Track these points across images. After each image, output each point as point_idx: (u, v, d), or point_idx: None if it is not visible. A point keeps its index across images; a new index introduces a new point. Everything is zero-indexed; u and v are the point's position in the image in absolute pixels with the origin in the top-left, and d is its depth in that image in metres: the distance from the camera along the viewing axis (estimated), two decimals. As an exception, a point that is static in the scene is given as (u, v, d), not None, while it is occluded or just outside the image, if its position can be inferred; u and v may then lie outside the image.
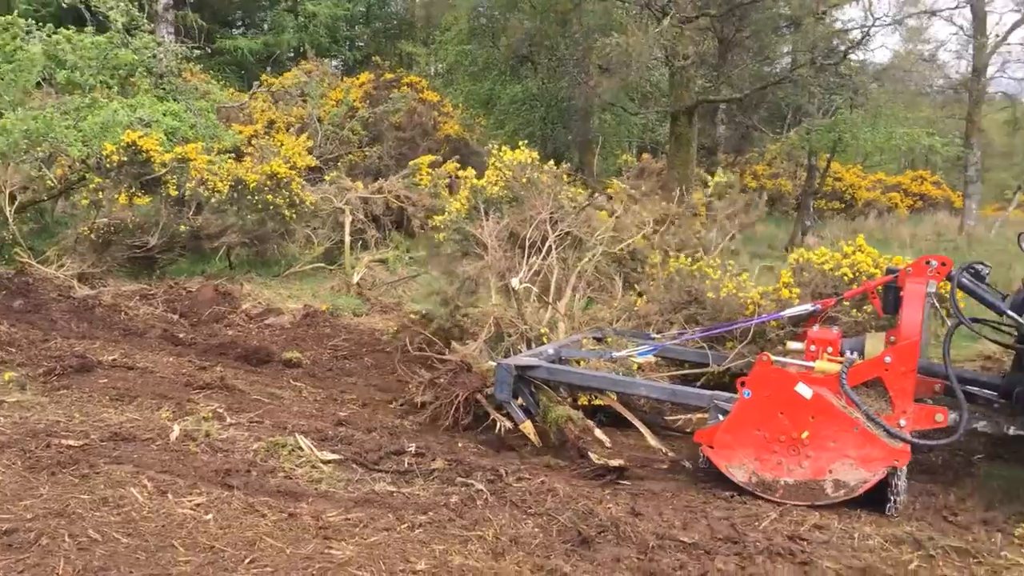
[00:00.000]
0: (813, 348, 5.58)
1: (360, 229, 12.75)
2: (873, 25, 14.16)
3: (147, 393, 6.50)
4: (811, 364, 5.49)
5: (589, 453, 5.65)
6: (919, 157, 31.19)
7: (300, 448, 5.50)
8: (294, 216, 12.12)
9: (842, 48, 14.92)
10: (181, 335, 8.54)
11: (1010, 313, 5.32)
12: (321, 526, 4.35)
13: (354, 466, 5.34)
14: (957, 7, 18.86)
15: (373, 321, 9.53)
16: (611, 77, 14.37)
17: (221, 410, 6.12)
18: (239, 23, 32.75)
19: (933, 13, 19.99)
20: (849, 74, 17.25)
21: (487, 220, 8.28)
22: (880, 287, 5.84)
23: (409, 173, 14.16)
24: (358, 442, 5.69)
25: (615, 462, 5.56)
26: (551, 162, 9.60)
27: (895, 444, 4.94)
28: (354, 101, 20.36)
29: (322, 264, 12.37)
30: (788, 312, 6.36)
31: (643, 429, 6.17)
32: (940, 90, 25.52)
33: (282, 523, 4.34)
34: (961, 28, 23.38)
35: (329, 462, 5.36)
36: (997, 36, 23.05)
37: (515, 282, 7.13)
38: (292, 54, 29.22)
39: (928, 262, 5.50)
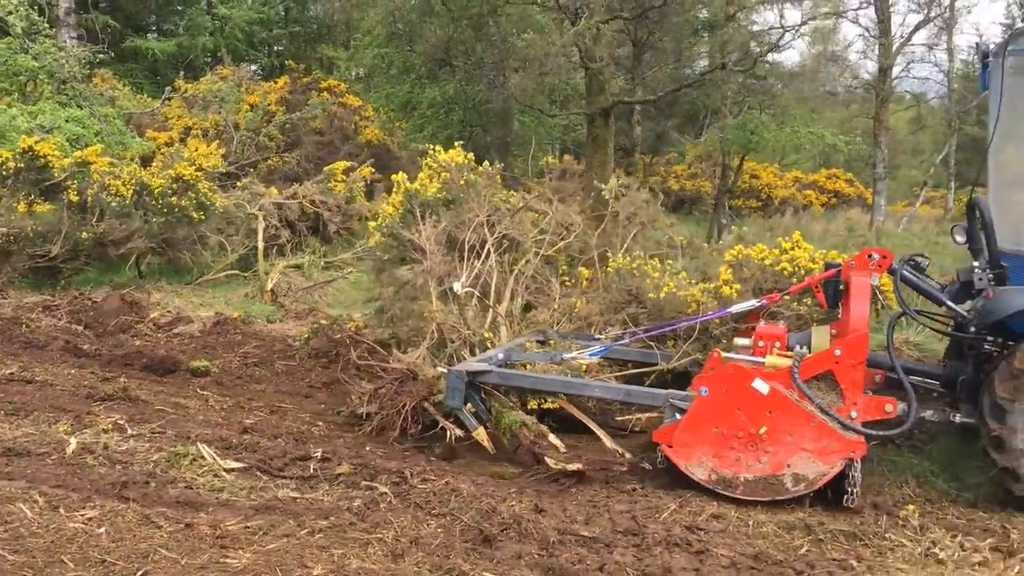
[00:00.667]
0: (761, 344, 5.61)
1: (275, 235, 12.57)
2: (793, 29, 14.48)
3: (45, 407, 6.30)
4: (761, 359, 5.51)
5: (546, 458, 5.57)
6: (833, 155, 32.06)
7: (203, 457, 5.40)
8: (203, 217, 11.83)
9: (756, 51, 15.27)
10: (85, 346, 8.31)
11: (950, 304, 5.46)
12: (219, 535, 4.28)
13: (258, 473, 5.27)
14: (860, 7, 19.43)
15: (286, 327, 9.41)
16: (527, 78, 14.44)
17: (122, 421, 5.97)
18: (153, 26, 31.99)
19: (839, 14, 20.58)
20: (763, 76, 17.71)
21: (424, 224, 8.04)
22: (822, 281, 5.91)
23: (323, 178, 14.02)
24: (263, 449, 5.62)
25: (573, 466, 5.49)
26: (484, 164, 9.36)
27: (850, 436, 4.99)
28: (270, 106, 20.07)
29: (236, 271, 12.15)
30: (734, 308, 6.36)
31: (599, 431, 6.06)
32: (849, 90, 26.30)
33: (178, 534, 4.26)
34: (867, 29, 24.13)
35: (232, 470, 5.29)
36: (902, 37, 23.89)
37: (456, 286, 7.00)
38: (208, 59, 28.66)
39: (870, 255, 5.60)
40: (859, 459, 4.94)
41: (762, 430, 5.07)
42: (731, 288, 6.87)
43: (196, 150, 15.62)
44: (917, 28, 23.27)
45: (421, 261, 7.75)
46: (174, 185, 11.64)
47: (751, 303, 6.28)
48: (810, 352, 5.47)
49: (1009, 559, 4.18)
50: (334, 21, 32.33)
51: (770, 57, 19.87)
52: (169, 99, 20.70)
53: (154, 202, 11.49)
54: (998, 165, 5.63)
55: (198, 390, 7.09)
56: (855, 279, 5.51)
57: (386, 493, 4.96)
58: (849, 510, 4.82)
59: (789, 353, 5.49)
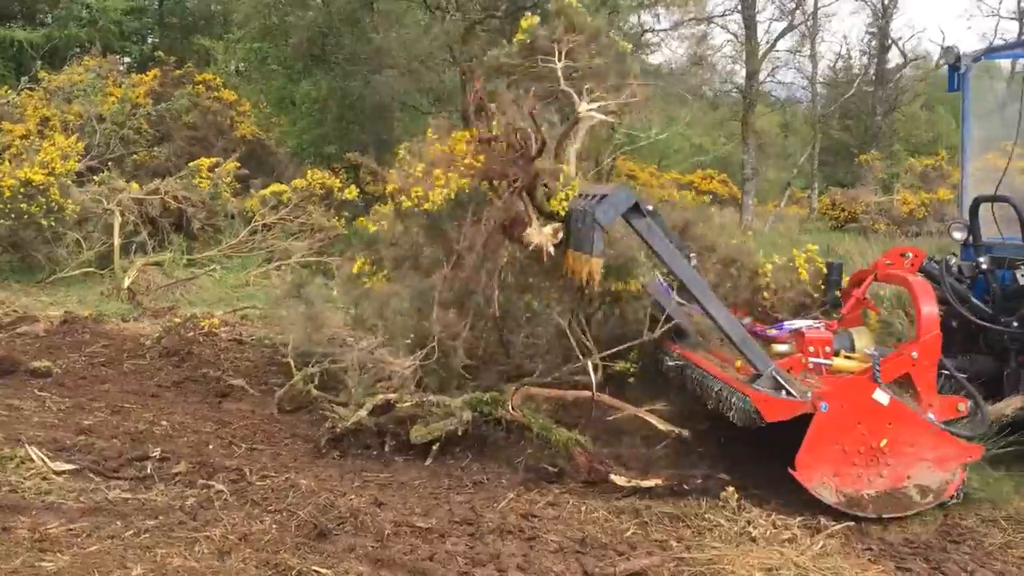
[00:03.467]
0: (812, 349, 5.43)
1: (134, 231, 12.15)
2: (655, 32, 14.89)
3: None
4: (828, 363, 5.38)
5: (612, 476, 5.19)
6: (703, 156, 33.02)
7: (31, 460, 5.20)
8: (52, 224, 11.33)
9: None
10: (-84, 349, 7.86)
11: (975, 301, 5.62)
12: (37, 538, 4.14)
13: (90, 475, 5.09)
14: (724, 15, 20.17)
15: (141, 327, 9.11)
16: (398, 77, 14.41)
17: (-54, 425, 5.69)
18: (18, 15, 30.38)
19: (708, 19, 21.31)
20: (632, 75, 18.12)
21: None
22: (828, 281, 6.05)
23: (188, 174, 13.63)
24: (98, 450, 5.44)
25: (649, 482, 5.10)
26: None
27: (965, 441, 4.96)
28: (138, 98, 19.36)
29: (93, 269, 11.70)
30: (790, 324, 5.99)
31: (646, 415, 5.66)
32: (719, 93, 27.22)
33: (-7, 538, 4.10)
34: (736, 36, 25.06)
35: (63, 473, 5.09)
36: (767, 43, 24.89)
37: None
38: (78, 49, 27.41)
39: (903, 254, 5.66)
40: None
41: (883, 443, 4.85)
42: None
43: (53, 144, 14.95)
44: (781, 35, 24.25)
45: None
46: (23, 189, 11.08)
47: (809, 322, 5.91)
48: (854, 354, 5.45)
49: (816, 535, 4.44)
50: (211, 12, 31.44)
51: (646, 60, 20.51)
52: (30, 89, 19.68)
53: (1, 206, 10.92)
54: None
55: (36, 391, 6.80)
56: (914, 280, 5.44)
57: (222, 491, 4.89)
58: (676, 494, 5.00)
59: (854, 355, 5.42)
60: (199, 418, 6.38)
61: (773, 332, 5.87)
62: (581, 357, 6.00)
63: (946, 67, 6.71)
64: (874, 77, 32.47)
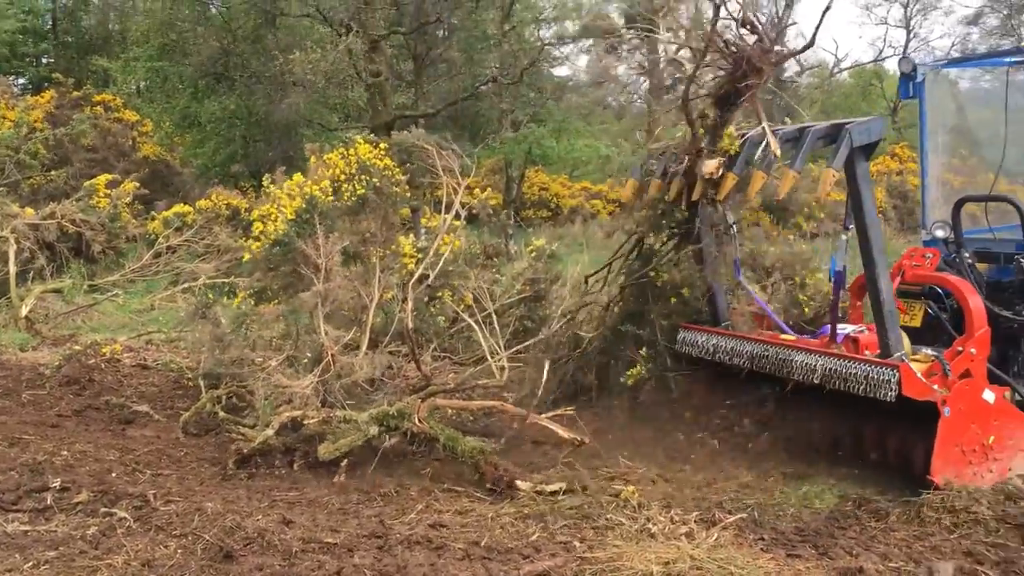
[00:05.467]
0: (868, 353, 5.61)
1: (31, 258, 11.78)
2: (550, 44, 15.16)
3: None
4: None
5: (517, 483, 5.29)
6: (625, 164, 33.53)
7: (-78, 498, 5.04)
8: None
9: (525, 64, 15.90)
10: None
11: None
12: (-70, 577, 4.04)
13: (-14, 510, 4.98)
14: (621, 32, 20.62)
15: (40, 355, 8.87)
16: (301, 95, 14.34)
17: None
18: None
19: (611, 34, 21.72)
20: (539, 89, 18.45)
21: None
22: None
23: (84, 195, 13.28)
24: (-6, 485, 5.31)
25: (553, 487, 5.22)
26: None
27: None
28: (35, 122, 18.77)
29: (-12, 299, 11.31)
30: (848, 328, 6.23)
31: (548, 423, 5.86)
32: (625, 104, 27.79)
33: None
34: (639, 49, 25.62)
35: (-44, 509, 4.97)
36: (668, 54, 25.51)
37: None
38: (-34, 73, 26.39)
39: (925, 255, 6.00)
40: None
41: (991, 439, 5.13)
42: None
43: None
44: (680, 47, 24.81)
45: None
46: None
47: (853, 327, 6.13)
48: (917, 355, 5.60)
49: (711, 528, 4.62)
50: (108, 32, 30.69)
51: (555, 73, 20.85)
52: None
53: None
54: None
55: (-73, 428, 6.58)
56: (955, 278, 5.80)
57: (125, 518, 4.83)
58: (581, 497, 5.14)
59: (917, 356, 5.52)
60: (102, 446, 6.26)
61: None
62: (490, 359, 6.13)
63: (898, 75, 7.20)
64: (772, 86, 33.52)
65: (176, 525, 4.76)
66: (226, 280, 10.45)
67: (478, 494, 5.33)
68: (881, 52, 36.70)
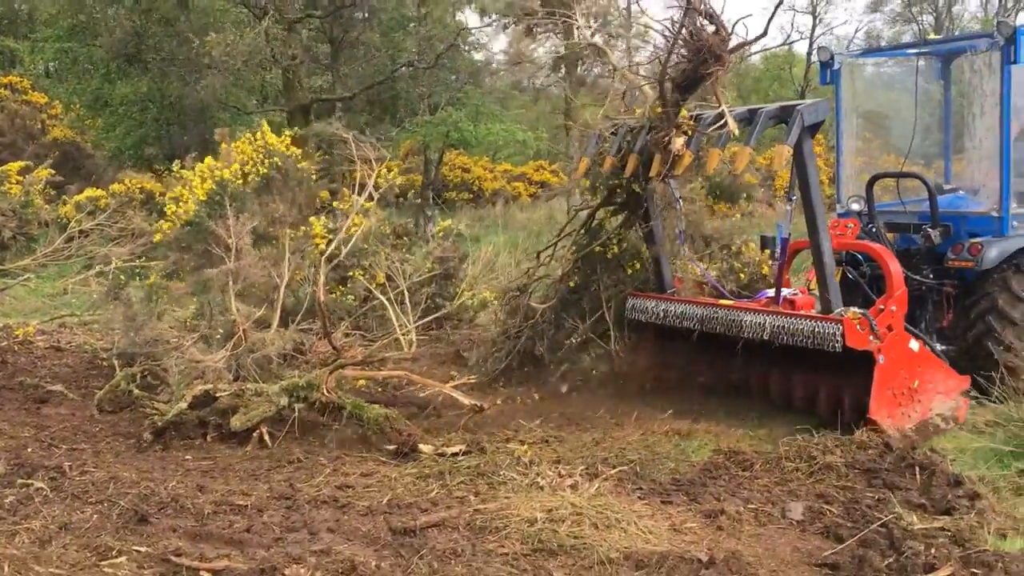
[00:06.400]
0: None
1: (-62, 244, 11.65)
2: (466, 30, 15.43)
3: None
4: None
5: (420, 446, 5.65)
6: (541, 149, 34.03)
7: None
8: None
9: (441, 48, 16.16)
10: None
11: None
12: None
13: (-100, 487, 5.13)
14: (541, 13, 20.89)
15: (-51, 341, 8.86)
16: (216, 76, 14.35)
17: None
18: None
19: (526, 16, 21.98)
20: (454, 72, 18.69)
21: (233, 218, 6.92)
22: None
23: (-7, 181, 13.15)
24: (-93, 463, 5.45)
25: (453, 448, 5.59)
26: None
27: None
28: (-67, 105, 18.32)
29: None
30: (767, 292, 7.06)
31: (449, 390, 6.29)
32: (542, 88, 28.13)
33: None
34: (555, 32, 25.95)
35: None
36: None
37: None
38: None
39: (847, 226, 6.74)
40: None
41: (915, 384, 5.83)
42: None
43: None
44: (597, 30, 25.26)
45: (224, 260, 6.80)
46: None
47: (787, 290, 6.82)
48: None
49: (593, 479, 5.06)
50: (15, 12, 29.79)
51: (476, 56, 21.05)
52: None
53: None
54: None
55: None
56: (876, 245, 6.62)
57: (42, 488, 5.05)
58: (479, 457, 5.53)
59: (848, 314, 6.04)
60: (16, 424, 6.41)
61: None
62: (399, 333, 6.48)
63: (817, 63, 7.97)
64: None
65: (92, 493, 5.00)
66: (139, 264, 10.50)
67: (383, 458, 5.68)
68: (788, 37, 37.78)
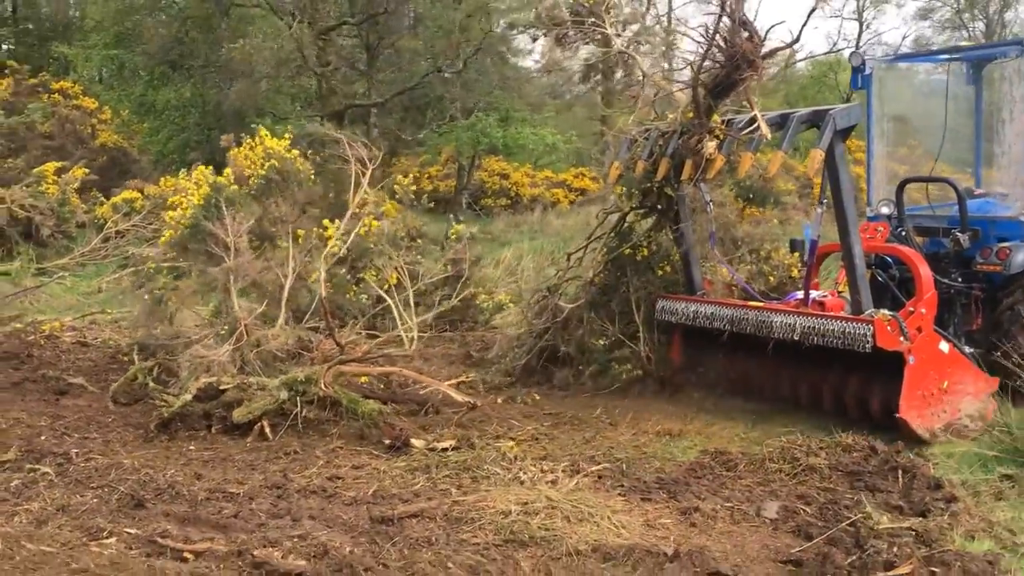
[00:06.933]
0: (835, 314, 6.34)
1: (-19, 242, 12.11)
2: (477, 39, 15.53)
3: None
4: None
5: (412, 440, 5.83)
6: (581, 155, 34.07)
7: None
8: None
9: (469, 53, 16.35)
10: None
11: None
12: None
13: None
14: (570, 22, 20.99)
15: (-16, 334, 9.24)
16: (247, 84, 14.72)
17: None
18: None
19: (555, 25, 22.10)
20: (492, 77, 18.86)
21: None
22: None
23: (34, 181, 13.61)
24: (-78, 446, 5.73)
25: (443, 443, 5.76)
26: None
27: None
28: (-10, 110, 18.98)
29: (-61, 281, 11.64)
30: (797, 294, 7.02)
31: (444, 388, 6.49)
32: (580, 94, 28.19)
33: None
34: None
35: None
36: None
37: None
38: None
39: (877, 229, 6.84)
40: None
41: (945, 384, 5.90)
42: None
43: None
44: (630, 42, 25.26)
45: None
46: None
47: (817, 292, 6.84)
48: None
49: (574, 476, 5.16)
50: (69, 19, 30.71)
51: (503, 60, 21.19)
52: None
53: None
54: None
55: None
56: (906, 249, 6.72)
57: (48, 472, 5.29)
58: (468, 453, 5.66)
59: (878, 315, 6.11)
60: (34, 414, 6.67)
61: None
62: (401, 330, 6.66)
63: (851, 68, 7.95)
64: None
65: (94, 479, 5.23)
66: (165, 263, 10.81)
67: (377, 452, 5.83)
68: (835, 44, 37.38)
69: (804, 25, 6.58)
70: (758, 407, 6.72)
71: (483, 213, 25.83)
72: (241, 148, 7.52)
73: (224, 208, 6.45)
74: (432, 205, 24.25)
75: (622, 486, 5.12)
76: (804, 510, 4.70)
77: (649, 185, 7.25)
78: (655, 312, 7.29)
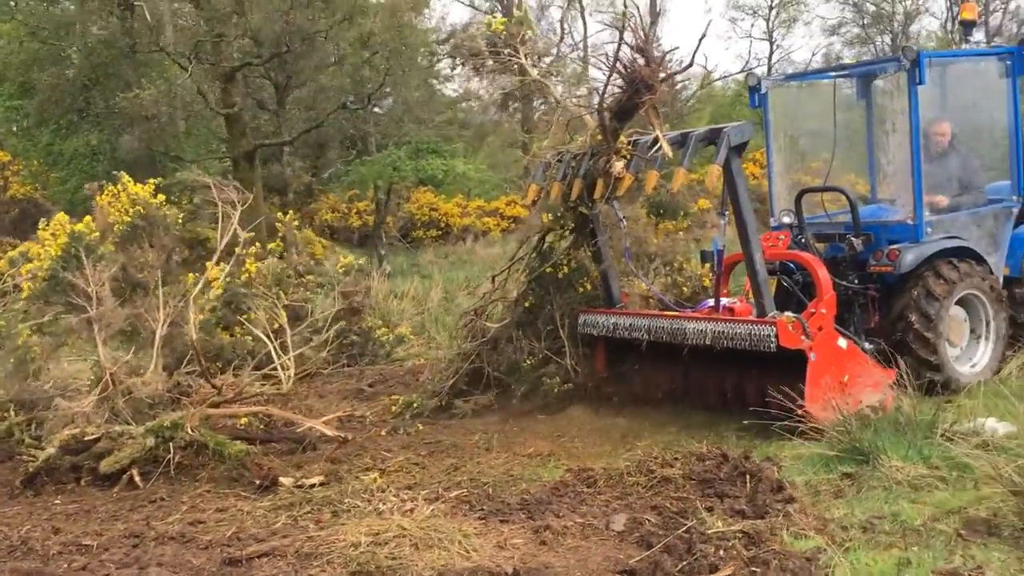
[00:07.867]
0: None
1: None
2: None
3: None
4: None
5: (280, 479, 5.85)
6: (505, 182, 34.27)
7: None
8: None
9: (371, 90, 16.47)
10: None
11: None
12: None
13: None
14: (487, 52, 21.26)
15: None
16: (145, 126, 14.63)
17: None
18: None
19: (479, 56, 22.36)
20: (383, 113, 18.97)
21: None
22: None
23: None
24: None
25: (311, 480, 5.80)
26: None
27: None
28: None
29: None
30: (708, 302, 7.61)
31: (317, 425, 6.50)
32: (496, 123, 28.49)
33: None
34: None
35: None
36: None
37: None
38: None
39: (778, 237, 7.24)
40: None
41: (845, 378, 6.21)
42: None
43: None
44: (554, 61, 25.64)
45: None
46: None
47: (727, 299, 7.37)
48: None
49: (434, 503, 5.19)
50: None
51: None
52: None
53: None
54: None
55: None
56: (806, 255, 7.14)
57: (-100, 538, 5.15)
58: (335, 488, 5.66)
59: (781, 318, 6.40)
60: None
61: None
62: (277, 363, 6.66)
63: (748, 87, 8.50)
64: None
65: (-57, 540, 5.11)
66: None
67: (246, 493, 5.80)
68: (747, 64, 38.42)
69: (696, 50, 6.91)
70: (678, 410, 7.09)
71: (412, 246, 25.88)
72: (103, 195, 7.48)
73: (84, 257, 6.41)
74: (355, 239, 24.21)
75: (483, 510, 5.16)
76: (649, 520, 4.80)
77: (565, 205, 7.55)
78: (578, 326, 7.57)
